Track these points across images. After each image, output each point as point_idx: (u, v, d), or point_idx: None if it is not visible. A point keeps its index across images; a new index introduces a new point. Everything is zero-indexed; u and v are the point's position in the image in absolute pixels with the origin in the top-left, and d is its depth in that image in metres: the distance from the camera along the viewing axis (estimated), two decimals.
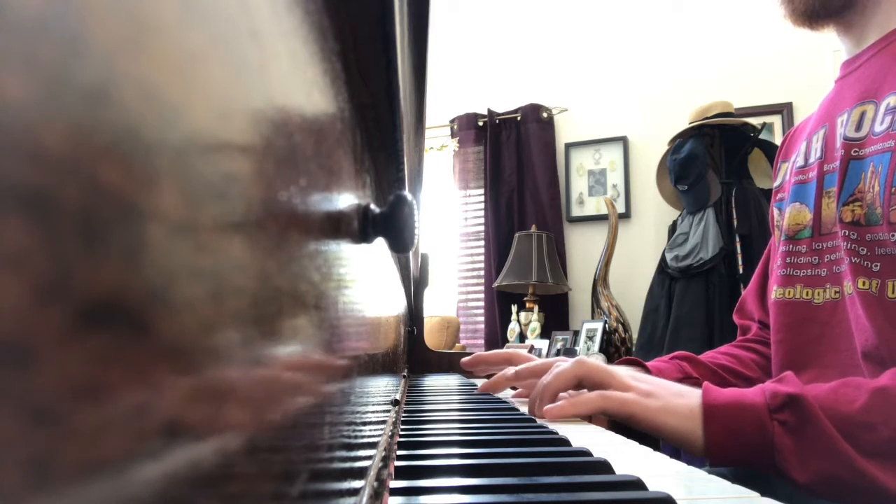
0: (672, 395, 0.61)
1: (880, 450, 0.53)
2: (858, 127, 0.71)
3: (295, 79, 0.16)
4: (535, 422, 0.61)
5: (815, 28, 0.80)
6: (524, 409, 0.72)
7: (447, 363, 1.47)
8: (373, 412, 0.36)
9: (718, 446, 0.56)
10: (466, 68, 3.16)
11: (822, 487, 0.53)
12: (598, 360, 0.69)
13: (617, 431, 0.61)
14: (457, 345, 2.78)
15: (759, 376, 0.89)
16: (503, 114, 3.05)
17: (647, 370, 0.85)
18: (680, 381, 0.84)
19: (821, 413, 0.54)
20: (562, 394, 0.69)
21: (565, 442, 0.49)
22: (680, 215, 2.56)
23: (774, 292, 0.83)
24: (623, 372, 0.66)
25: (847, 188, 0.70)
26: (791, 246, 0.80)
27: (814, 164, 0.78)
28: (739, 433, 0.56)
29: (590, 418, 0.65)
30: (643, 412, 0.59)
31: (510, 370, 0.86)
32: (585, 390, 0.67)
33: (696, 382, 0.84)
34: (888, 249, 0.64)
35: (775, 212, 0.88)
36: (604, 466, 0.40)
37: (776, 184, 0.90)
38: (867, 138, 0.69)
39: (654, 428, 0.60)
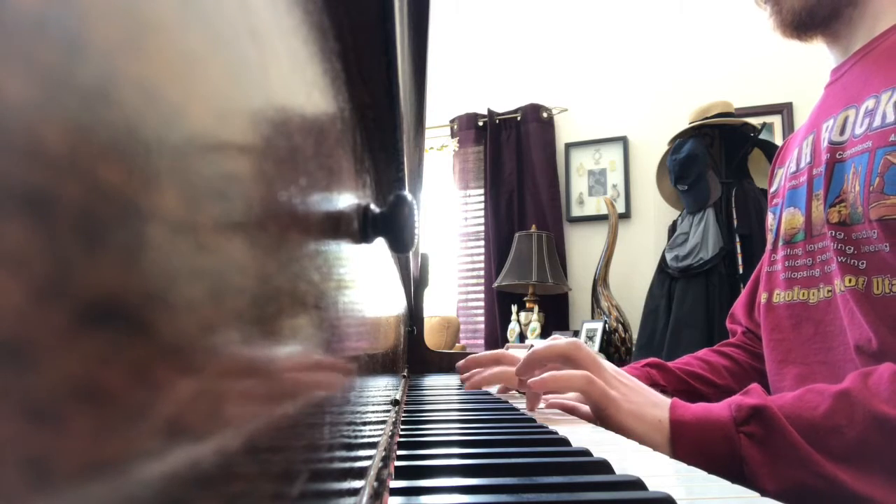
0: (647, 404, 0.62)
1: (848, 453, 0.53)
2: (842, 131, 0.73)
3: (295, 79, 0.16)
4: (534, 422, 0.61)
5: (804, 39, 0.83)
6: (523, 407, 0.73)
7: (447, 363, 1.47)
8: (373, 412, 0.36)
9: (687, 461, 0.57)
10: (466, 68, 3.16)
11: (792, 495, 0.53)
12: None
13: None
14: (457, 345, 2.78)
15: (728, 383, 0.91)
16: (503, 114, 3.05)
17: None
18: None
19: (786, 422, 0.55)
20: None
21: (565, 442, 0.49)
22: (680, 215, 2.56)
23: (775, 296, 0.84)
24: (610, 367, 0.67)
25: (833, 190, 0.73)
26: (789, 250, 0.83)
27: (804, 169, 0.81)
28: (707, 449, 0.57)
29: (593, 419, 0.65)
30: (616, 412, 0.61)
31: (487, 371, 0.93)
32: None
33: (662, 390, 0.87)
34: (872, 247, 0.67)
35: (770, 217, 0.90)
36: (604, 466, 0.40)
37: (772, 190, 0.93)
38: (848, 141, 0.72)
39: (623, 430, 0.60)
